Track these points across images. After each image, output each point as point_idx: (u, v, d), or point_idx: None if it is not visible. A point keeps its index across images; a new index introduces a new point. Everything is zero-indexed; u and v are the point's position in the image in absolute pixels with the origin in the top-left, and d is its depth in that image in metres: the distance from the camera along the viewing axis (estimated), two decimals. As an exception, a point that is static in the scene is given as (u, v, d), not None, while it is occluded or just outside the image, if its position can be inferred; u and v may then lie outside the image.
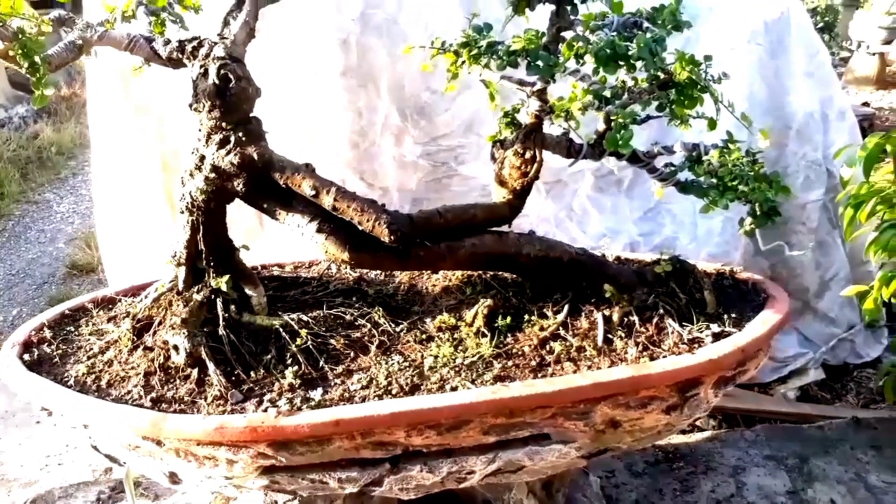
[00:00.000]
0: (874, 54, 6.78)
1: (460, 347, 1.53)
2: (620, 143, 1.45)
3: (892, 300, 1.93)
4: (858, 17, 7.22)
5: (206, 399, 1.40)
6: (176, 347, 1.48)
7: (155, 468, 1.49)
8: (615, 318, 1.55)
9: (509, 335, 1.56)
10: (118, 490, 2.31)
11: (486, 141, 1.72)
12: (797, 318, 2.91)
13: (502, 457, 1.43)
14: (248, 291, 1.59)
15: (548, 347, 1.51)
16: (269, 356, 1.49)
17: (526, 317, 1.60)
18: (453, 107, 2.56)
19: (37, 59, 1.27)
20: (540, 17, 1.59)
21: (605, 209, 2.73)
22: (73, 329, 1.71)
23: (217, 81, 1.43)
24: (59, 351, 1.61)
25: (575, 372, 1.44)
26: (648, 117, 1.58)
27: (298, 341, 1.50)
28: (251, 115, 1.51)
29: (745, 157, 1.55)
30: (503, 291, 1.67)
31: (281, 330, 1.53)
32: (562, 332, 1.55)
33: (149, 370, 1.48)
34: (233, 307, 1.55)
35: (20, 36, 1.32)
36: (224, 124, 1.47)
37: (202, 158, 1.51)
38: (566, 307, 1.59)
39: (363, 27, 2.45)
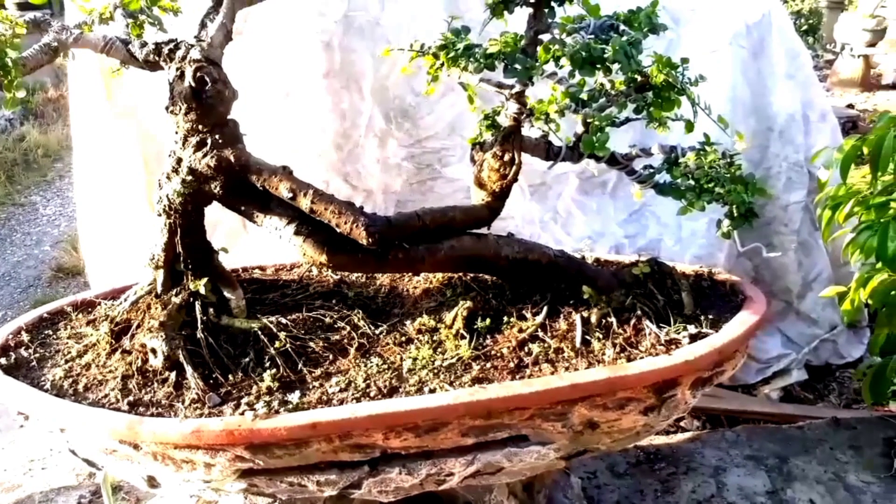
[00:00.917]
0: (858, 57, 6.84)
1: (439, 349, 1.53)
2: (597, 145, 1.45)
3: (870, 301, 1.95)
4: (843, 19, 7.28)
5: (183, 402, 1.40)
6: (154, 350, 1.47)
7: (133, 472, 1.48)
8: (593, 319, 1.56)
9: (488, 337, 1.56)
10: (99, 494, 2.30)
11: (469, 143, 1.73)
12: (780, 319, 2.93)
13: (481, 458, 1.44)
14: (226, 294, 1.59)
15: (526, 349, 1.52)
16: (247, 359, 1.49)
17: (505, 318, 1.60)
18: (437, 109, 2.56)
19: (8, 61, 1.27)
20: (519, 21, 1.60)
21: (589, 211, 2.75)
22: (51, 332, 1.70)
23: (193, 84, 1.43)
24: (37, 355, 1.60)
25: (553, 373, 1.44)
26: (627, 120, 1.59)
27: (277, 344, 1.50)
28: (228, 117, 1.51)
29: (721, 160, 1.56)
30: (483, 293, 1.67)
31: (259, 333, 1.53)
32: (540, 333, 1.55)
33: (126, 373, 1.47)
34: (211, 310, 1.54)
35: (-8, 38, 1.32)
36: (201, 127, 1.47)
37: (179, 161, 1.51)
38: (545, 309, 1.60)
39: (346, 29, 2.45)
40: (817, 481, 2.20)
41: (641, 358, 1.46)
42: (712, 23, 2.66)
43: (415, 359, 1.50)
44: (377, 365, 1.48)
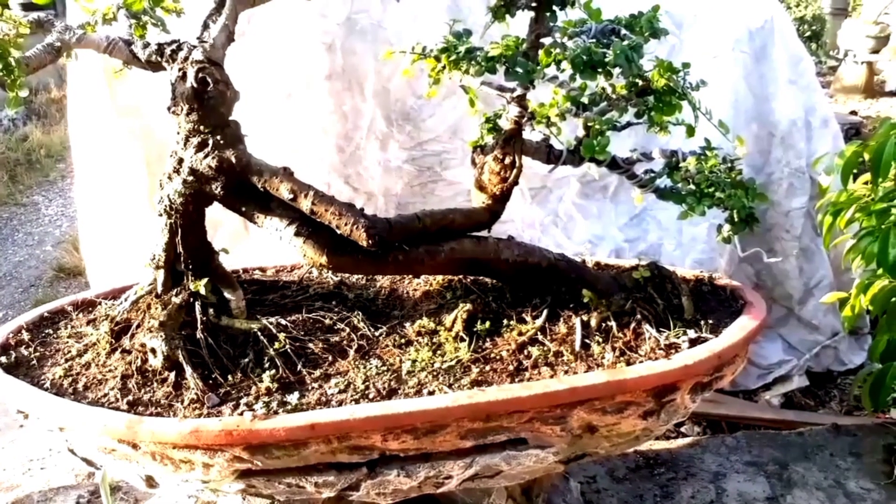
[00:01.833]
0: (862, 63, 6.83)
1: (439, 352, 1.53)
2: (598, 149, 1.45)
3: (871, 307, 1.94)
4: (846, 26, 7.27)
5: (182, 402, 1.40)
6: (153, 350, 1.47)
7: (132, 472, 1.48)
8: (593, 323, 1.56)
9: (488, 340, 1.56)
10: (97, 494, 2.29)
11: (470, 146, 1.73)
12: (781, 325, 2.93)
13: (480, 461, 1.44)
14: (226, 295, 1.59)
15: (526, 352, 1.52)
16: (246, 360, 1.49)
17: (505, 321, 1.60)
18: (439, 112, 2.57)
19: (11, 60, 1.27)
20: (521, 24, 1.60)
21: (590, 215, 2.75)
22: (51, 332, 1.70)
23: (195, 85, 1.43)
24: (37, 354, 1.60)
25: (552, 377, 1.44)
26: (628, 124, 1.59)
27: (276, 345, 1.50)
28: (230, 118, 1.51)
29: (721, 164, 1.56)
30: (483, 296, 1.67)
31: (259, 334, 1.53)
32: (540, 336, 1.55)
33: (126, 373, 1.47)
34: (211, 310, 1.54)
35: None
36: (202, 127, 1.47)
37: (180, 161, 1.51)
38: (545, 312, 1.60)
39: (348, 31, 2.46)
40: (817, 488, 2.19)
41: (641, 362, 1.46)
42: (715, 28, 2.67)
43: (414, 361, 1.50)
44: (376, 367, 1.48)
